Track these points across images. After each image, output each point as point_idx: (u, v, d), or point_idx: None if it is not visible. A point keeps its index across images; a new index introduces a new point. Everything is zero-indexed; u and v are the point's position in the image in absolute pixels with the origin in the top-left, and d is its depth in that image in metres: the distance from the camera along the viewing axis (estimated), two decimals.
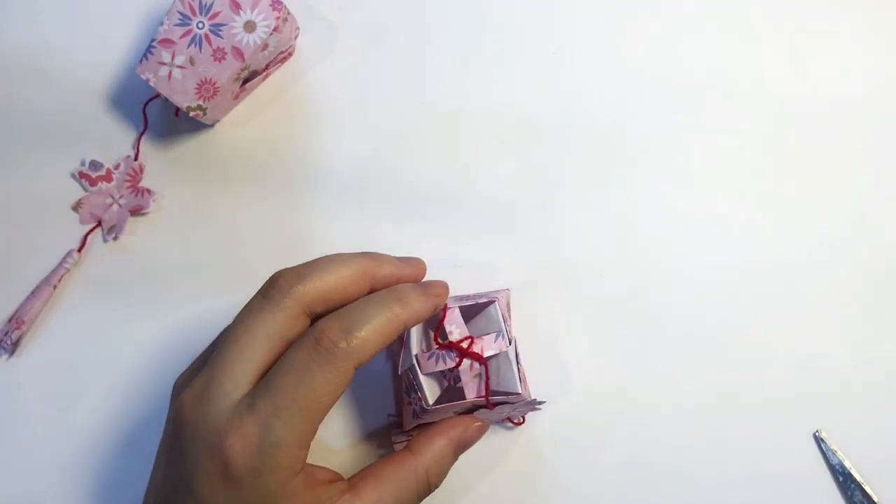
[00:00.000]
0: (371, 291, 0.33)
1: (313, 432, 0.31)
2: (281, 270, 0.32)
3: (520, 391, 0.35)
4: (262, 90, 0.43)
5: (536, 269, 0.42)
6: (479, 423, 0.36)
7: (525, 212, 0.43)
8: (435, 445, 0.34)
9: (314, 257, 0.33)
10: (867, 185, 0.43)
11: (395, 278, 0.34)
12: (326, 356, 0.30)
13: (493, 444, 0.40)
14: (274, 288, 0.32)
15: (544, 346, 0.41)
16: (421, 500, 0.33)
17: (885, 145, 0.43)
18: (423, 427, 0.36)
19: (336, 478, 0.33)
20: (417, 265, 0.36)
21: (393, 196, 0.43)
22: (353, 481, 0.33)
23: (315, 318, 0.32)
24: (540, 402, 0.36)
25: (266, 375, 0.31)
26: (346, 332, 0.30)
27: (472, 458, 0.40)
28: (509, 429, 0.41)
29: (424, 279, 0.36)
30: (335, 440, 0.40)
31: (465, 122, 0.43)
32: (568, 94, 0.43)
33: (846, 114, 0.43)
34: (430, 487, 0.34)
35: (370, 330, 0.31)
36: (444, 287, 0.35)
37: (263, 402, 0.30)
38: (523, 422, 0.40)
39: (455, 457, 0.35)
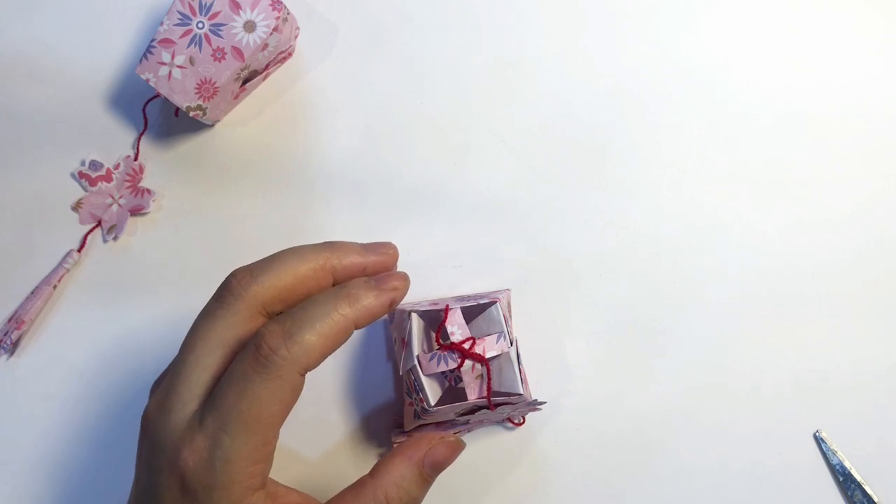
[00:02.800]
0: (336, 283, 0.31)
1: (267, 444, 0.29)
2: (235, 270, 0.30)
3: (521, 392, 0.35)
4: (262, 90, 0.43)
5: (536, 269, 0.42)
6: (449, 440, 0.33)
7: (525, 212, 0.43)
8: (394, 467, 0.31)
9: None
10: (867, 185, 0.43)
11: (360, 268, 0.31)
12: (266, 365, 0.28)
13: (494, 444, 0.40)
14: (227, 290, 0.30)
15: (544, 347, 0.41)
16: None
17: (885, 146, 0.43)
18: (429, 425, 0.36)
19: (307, 500, 0.31)
20: (385, 251, 0.32)
21: (393, 196, 0.43)
22: None
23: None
24: (541, 403, 0.36)
25: (215, 387, 0.29)
26: (287, 338, 0.28)
27: (473, 459, 0.40)
28: (509, 429, 0.41)
29: (397, 266, 0.33)
30: (334, 440, 0.40)
31: (464, 122, 0.43)
32: (568, 95, 0.43)
33: (847, 114, 0.43)
34: None
35: (315, 333, 0.28)
36: (401, 279, 0.31)
37: (210, 417, 0.28)
38: (523, 422, 0.40)
39: (423, 479, 0.32)
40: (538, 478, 0.40)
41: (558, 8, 0.44)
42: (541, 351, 0.41)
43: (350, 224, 0.42)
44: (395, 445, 0.38)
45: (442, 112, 0.43)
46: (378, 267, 0.32)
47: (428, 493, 0.32)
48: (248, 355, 0.28)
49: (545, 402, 0.37)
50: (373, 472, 0.31)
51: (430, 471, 0.32)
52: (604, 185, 0.43)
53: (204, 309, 0.30)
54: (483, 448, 0.40)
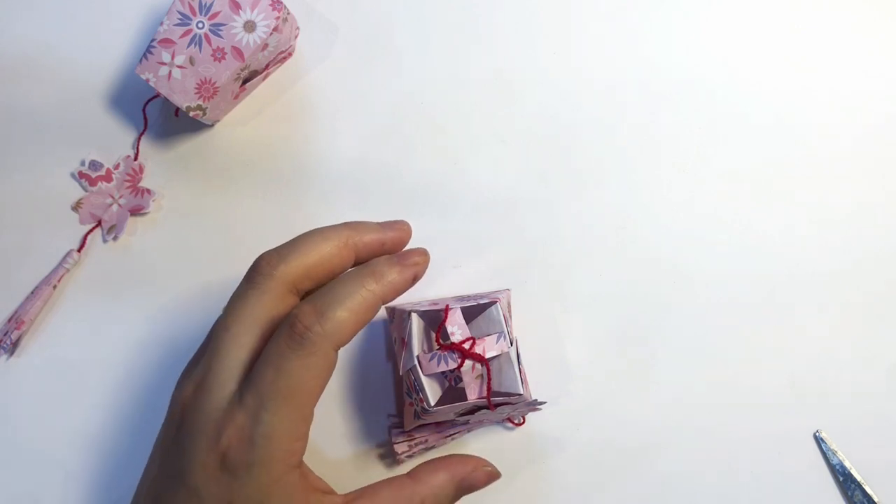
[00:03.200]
0: (357, 261, 0.33)
1: (305, 420, 0.30)
2: (263, 253, 0.32)
3: (521, 392, 0.35)
4: (262, 90, 0.43)
5: (536, 269, 0.42)
6: (489, 470, 0.34)
7: (524, 212, 0.43)
8: (437, 478, 0.33)
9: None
10: (867, 185, 0.43)
11: (379, 244, 0.33)
12: (301, 342, 0.29)
13: (494, 444, 0.40)
14: (257, 272, 0.31)
15: (544, 346, 0.41)
16: None
17: (885, 146, 0.43)
18: (429, 425, 0.36)
19: (330, 490, 0.32)
20: (401, 228, 0.34)
21: (392, 195, 0.43)
22: (349, 497, 0.32)
23: (306, 295, 0.32)
24: (541, 403, 0.36)
25: (253, 368, 0.30)
26: (320, 316, 0.30)
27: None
28: (509, 429, 0.41)
29: (409, 244, 0.35)
30: (334, 440, 0.40)
31: (464, 123, 0.43)
32: (567, 94, 0.43)
33: (847, 114, 0.43)
34: None
35: (345, 310, 0.30)
36: (422, 254, 0.33)
37: (250, 395, 0.30)
38: (524, 422, 0.40)
39: (456, 496, 0.33)
40: (538, 478, 0.40)
41: (558, 8, 0.44)
42: (541, 351, 0.41)
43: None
44: (395, 446, 0.38)
45: (442, 112, 0.43)
46: (396, 242, 0.34)
47: None
48: (283, 335, 0.30)
49: (545, 402, 0.37)
50: (413, 475, 0.33)
51: (465, 491, 0.34)
52: (604, 185, 0.43)
53: (235, 292, 0.32)
54: (483, 448, 0.40)
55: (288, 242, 0.32)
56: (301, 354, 0.29)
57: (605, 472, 0.40)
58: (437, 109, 0.43)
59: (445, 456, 0.34)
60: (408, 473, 0.33)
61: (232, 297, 0.32)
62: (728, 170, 0.43)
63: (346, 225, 0.33)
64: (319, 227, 0.33)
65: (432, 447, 0.39)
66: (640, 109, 0.43)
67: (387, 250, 0.34)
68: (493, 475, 0.34)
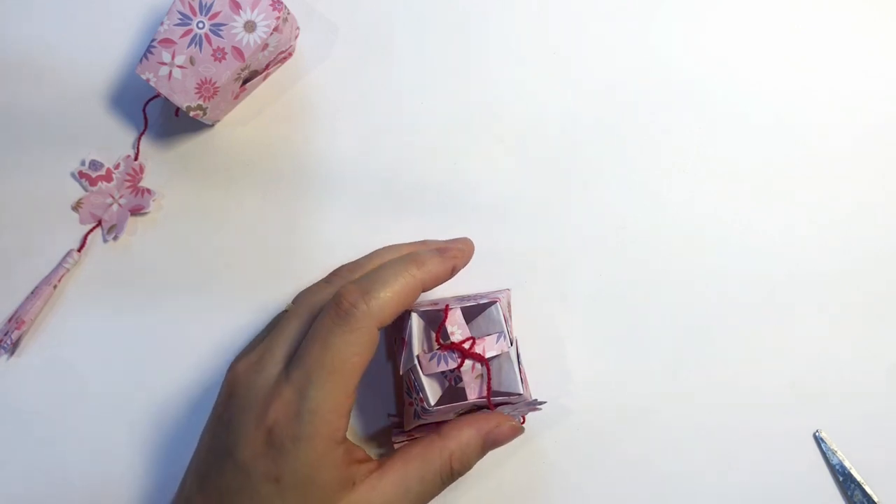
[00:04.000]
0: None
1: (348, 396, 0.31)
2: (344, 269, 0.36)
3: (521, 392, 0.35)
4: (262, 90, 0.43)
5: (536, 269, 0.42)
6: (513, 424, 0.35)
7: (524, 212, 0.42)
8: (464, 433, 0.34)
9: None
10: (867, 186, 0.43)
11: (446, 274, 0.35)
12: (346, 318, 0.31)
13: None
14: (338, 276, 0.35)
15: (544, 346, 0.41)
16: (444, 484, 0.34)
17: (885, 145, 0.43)
18: (430, 425, 0.36)
19: (367, 458, 0.34)
20: (464, 244, 0.37)
21: (393, 196, 0.43)
22: (383, 460, 0.34)
23: None
24: (541, 403, 0.36)
25: (300, 347, 0.32)
26: (365, 294, 0.31)
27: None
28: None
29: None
30: None
31: (464, 122, 0.43)
32: (567, 94, 0.43)
33: (847, 114, 0.43)
34: (452, 473, 0.34)
35: (389, 290, 0.32)
36: (464, 242, 0.36)
37: (296, 371, 0.31)
38: (524, 422, 0.40)
39: (482, 450, 0.35)
40: (538, 478, 0.40)
41: (558, 8, 0.44)
42: (541, 351, 0.41)
43: (350, 224, 0.42)
44: (395, 446, 0.38)
45: (441, 112, 0.43)
46: (459, 265, 0.36)
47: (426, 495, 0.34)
48: (329, 312, 0.32)
49: (545, 402, 0.37)
50: (442, 432, 0.34)
51: (491, 445, 0.35)
52: (604, 185, 0.43)
53: (308, 288, 0.35)
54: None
55: (368, 257, 0.35)
56: (346, 330, 0.31)
57: (605, 472, 0.40)
58: (437, 109, 0.43)
59: (471, 413, 0.35)
60: (436, 431, 0.34)
61: (307, 288, 0.35)
62: (728, 170, 0.43)
63: (413, 259, 0.34)
64: (393, 261, 0.34)
65: None
66: (640, 109, 0.43)
67: (455, 272, 0.36)
68: (517, 429, 0.35)
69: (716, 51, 0.44)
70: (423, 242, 0.36)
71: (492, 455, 0.40)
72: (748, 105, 0.43)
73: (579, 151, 0.43)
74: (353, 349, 0.31)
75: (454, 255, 0.35)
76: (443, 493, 0.35)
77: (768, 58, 0.44)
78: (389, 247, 0.35)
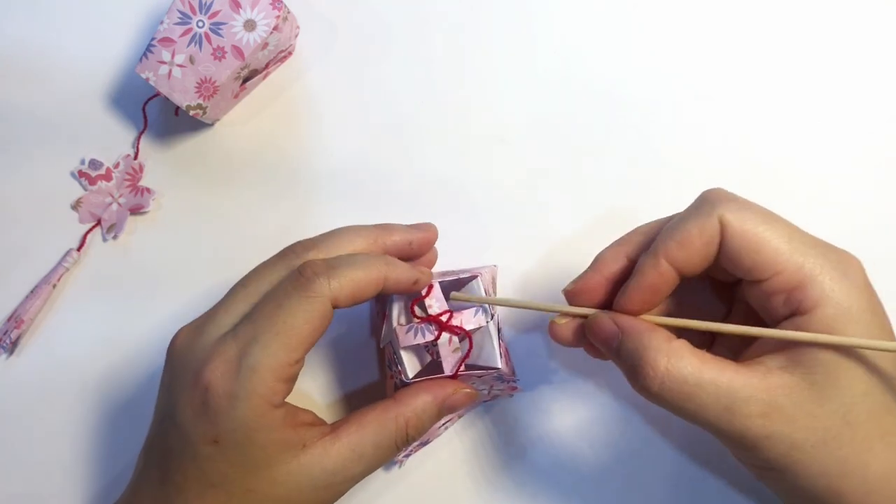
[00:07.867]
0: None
1: (292, 363, 0.31)
2: (299, 247, 0.34)
3: (500, 366, 0.34)
4: (262, 89, 0.43)
5: (536, 268, 0.42)
6: (468, 391, 0.35)
7: (524, 212, 0.42)
8: (419, 399, 0.34)
9: None
10: (868, 186, 0.43)
11: (406, 243, 0.35)
12: (306, 285, 0.31)
13: (484, 438, 0.40)
14: (293, 252, 0.33)
15: (543, 343, 0.41)
16: (398, 450, 0.34)
17: (885, 145, 0.43)
18: (411, 385, 0.36)
19: (319, 422, 0.33)
20: (427, 229, 0.36)
21: (392, 195, 0.43)
22: (336, 424, 0.33)
23: None
24: (516, 380, 0.36)
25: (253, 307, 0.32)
26: (330, 268, 0.31)
27: (461, 453, 0.40)
28: (498, 423, 0.41)
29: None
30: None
31: (464, 121, 0.43)
32: (567, 93, 0.43)
33: (848, 114, 0.43)
34: (407, 438, 0.34)
35: (352, 272, 0.31)
36: (427, 272, 0.35)
37: (244, 328, 0.31)
38: (517, 389, 0.40)
39: (438, 416, 0.34)
40: (530, 473, 0.40)
41: (558, 7, 0.44)
42: (541, 350, 0.41)
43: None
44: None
45: (441, 111, 0.43)
46: (423, 242, 0.36)
47: (419, 488, 0.36)
48: (290, 277, 0.31)
49: (518, 380, 0.37)
50: (396, 398, 0.34)
51: (448, 411, 0.35)
52: (604, 185, 0.43)
53: (262, 263, 0.34)
54: (473, 442, 0.40)
55: (324, 236, 0.34)
56: (303, 296, 0.30)
57: (599, 466, 0.40)
58: (437, 108, 0.43)
59: (426, 379, 0.35)
60: (392, 397, 0.34)
61: (258, 266, 0.33)
62: (728, 169, 0.43)
63: (377, 226, 0.35)
64: (352, 224, 0.35)
65: (426, 441, 0.39)
66: (640, 109, 0.43)
67: (414, 250, 0.35)
68: (472, 395, 0.35)
69: (715, 50, 0.44)
70: (386, 226, 0.35)
71: (479, 450, 0.40)
72: (748, 104, 0.43)
73: (579, 151, 0.43)
74: (306, 316, 0.30)
75: (421, 270, 0.34)
76: (432, 486, 0.35)
77: (768, 58, 0.44)
78: (350, 227, 0.35)
